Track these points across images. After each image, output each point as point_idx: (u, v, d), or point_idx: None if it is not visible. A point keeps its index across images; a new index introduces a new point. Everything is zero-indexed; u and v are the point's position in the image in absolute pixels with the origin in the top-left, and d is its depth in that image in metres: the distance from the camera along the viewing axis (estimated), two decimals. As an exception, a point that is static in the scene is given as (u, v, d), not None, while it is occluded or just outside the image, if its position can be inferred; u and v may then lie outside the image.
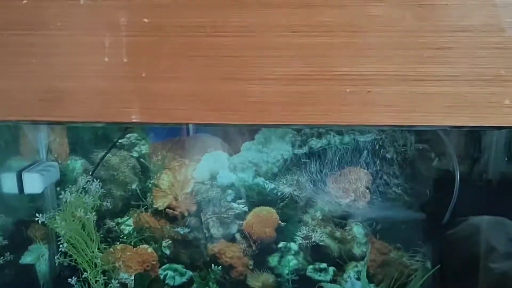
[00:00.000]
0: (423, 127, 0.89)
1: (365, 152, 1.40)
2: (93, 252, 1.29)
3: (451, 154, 1.32)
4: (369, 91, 0.89)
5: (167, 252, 1.54)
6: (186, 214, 1.52)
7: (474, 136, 1.37)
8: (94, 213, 1.26)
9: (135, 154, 1.57)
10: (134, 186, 1.54)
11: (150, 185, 1.53)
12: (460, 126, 0.89)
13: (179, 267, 1.53)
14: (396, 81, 0.93)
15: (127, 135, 1.55)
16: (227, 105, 0.95)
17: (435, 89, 0.91)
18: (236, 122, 0.93)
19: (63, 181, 1.43)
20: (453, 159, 1.32)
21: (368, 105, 0.93)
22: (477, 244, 1.30)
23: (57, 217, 1.23)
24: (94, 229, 1.27)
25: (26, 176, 1.30)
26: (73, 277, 1.27)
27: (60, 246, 1.26)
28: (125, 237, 1.52)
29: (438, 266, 1.28)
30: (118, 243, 1.51)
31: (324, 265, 1.47)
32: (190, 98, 0.96)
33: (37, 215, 1.21)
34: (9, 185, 1.31)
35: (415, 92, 0.93)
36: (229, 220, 1.51)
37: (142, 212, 1.53)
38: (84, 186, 1.22)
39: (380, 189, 1.41)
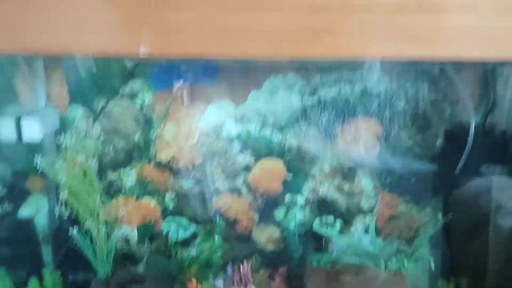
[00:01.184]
0: (447, 59, 0.85)
1: (376, 102, 1.36)
2: (95, 202, 1.26)
3: (466, 103, 1.29)
4: (391, 22, 0.85)
5: (171, 205, 1.50)
6: (190, 166, 1.48)
7: (488, 86, 1.34)
8: (95, 161, 1.22)
9: (138, 104, 1.52)
10: (136, 137, 1.50)
11: (153, 136, 1.49)
12: (485, 58, 0.85)
13: (183, 220, 1.51)
14: (419, 11, 0.88)
15: (130, 83, 1.50)
16: (241, 36, 0.91)
17: (460, 20, 0.87)
18: (250, 54, 0.89)
19: (63, 131, 1.38)
20: (468, 108, 1.28)
21: (390, 37, 0.88)
22: (484, 203, 1.29)
23: (56, 163, 1.19)
24: (96, 176, 1.24)
25: (24, 123, 1.25)
26: (73, 228, 1.25)
27: (60, 195, 1.22)
28: (127, 190, 1.48)
29: (448, 218, 1.27)
30: (120, 196, 1.48)
31: (331, 218, 1.45)
32: (202, 29, 0.91)
33: (36, 159, 1.16)
34: (7, 132, 1.26)
35: (439, 24, 0.89)
36: (235, 173, 1.48)
37: (145, 164, 1.49)
38: (85, 131, 1.17)
39: (390, 141, 1.38)
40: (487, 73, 1.34)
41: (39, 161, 1.17)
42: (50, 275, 1.32)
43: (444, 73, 1.32)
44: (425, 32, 0.83)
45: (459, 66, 1.25)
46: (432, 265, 1.22)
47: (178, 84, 1.45)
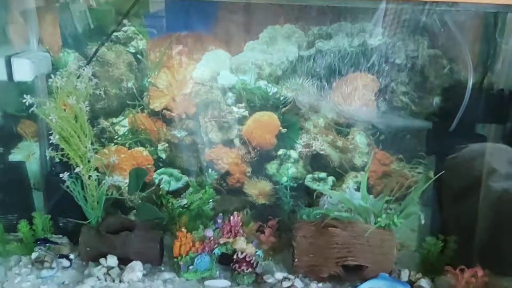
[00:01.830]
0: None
1: (374, 57, 1.34)
2: (86, 147, 1.24)
3: (466, 59, 1.26)
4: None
5: (163, 155, 1.50)
6: (183, 116, 1.47)
7: (488, 44, 1.31)
8: (86, 104, 1.20)
9: (132, 50, 1.49)
10: (130, 84, 1.48)
11: (147, 83, 1.47)
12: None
13: (175, 171, 1.51)
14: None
15: (124, 28, 1.46)
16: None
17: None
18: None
19: (55, 73, 1.35)
20: (468, 64, 1.26)
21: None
22: (478, 166, 1.29)
23: (47, 105, 1.16)
24: (87, 121, 1.22)
25: (15, 62, 1.23)
26: (65, 173, 1.23)
27: (51, 139, 1.20)
28: (119, 138, 1.47)
29: (439, 175, 1.26)
30: (112, 144, 1.47)
31: (323, 174, 1.45)
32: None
33: (25, 98, 1.12)
34: (-2, 70, 1.24)
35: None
36: (228, 125, 1.47)
37: (138, 112, 1.48)
38: (77, 74, 1.14)
39: (386, 97, 1.36)
40: (488, 29, 1.32)
41: (30, 101, 1.14)
42: (40, 219, 1.32)
43: (444, 27, 1.30)
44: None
45: (461, 20, 1.22)
46: (422, 220, 1.23)
47: (173, 31, 1.42)
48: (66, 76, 1.16)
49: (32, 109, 1.17)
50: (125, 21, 1.43)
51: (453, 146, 1.33)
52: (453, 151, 1.37)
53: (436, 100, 1.38)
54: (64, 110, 1.20)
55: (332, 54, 1.36)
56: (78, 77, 1.19)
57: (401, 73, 1.35)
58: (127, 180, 1.45)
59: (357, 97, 1.37)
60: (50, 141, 1.23)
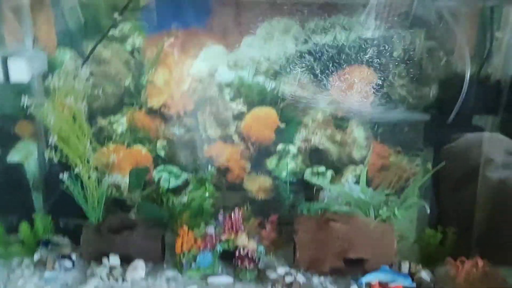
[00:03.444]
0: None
1: (371, 50, 1.34)
2: (85, 147, 1.23)
3: (463, 50, 1.27)
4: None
5: (162, 153, 1.50)
6: (182, 113, 1.47)
7: (485, 31, 1.31)
8: (84, 104, 1.19)
9: (129, 47, 1.49)
10: (127, 83, 1.47)
11: (144, 81, 1.46)
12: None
13: (174, 169, 1.51)
14: None
15: (120, 26, 1.46)
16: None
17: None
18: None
19: (52, 73, 1.34)
20: (465, 56, 1.27)
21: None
22: (475, 156, 1.30)
23: (45, 106, 1.16)
24: (86, 121, 1.21)
25: (11, 62, 1.21)
26: (64, 173, 1.22)
27: (50, 140, 1.19)
28: (118, 137, 1.47)
29: (438, 167, 1.27)
30: (111, 143, 1.46)
31: (322, 168, 1.46)
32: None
33: (23, 99, 1.12)
34: (-7, 72, 1.22)
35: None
36: (227, 121, 1.47)
37: (136, 110, 1.47)
38: (74, 74, 1.14)
39: (384, 90, 1.36)
40: (485, 20, 1.32)
41: (28, 102, 1.14)
42: (41, 220, 1.32)
43: (441, 19, 1.30)
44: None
45: (457, 12, 1.22)
46: (428, 210, 1.25)
47: (170, 28, 1.40)
48: (64, 77, 1.15)
49: (29, 110, 1.17)
50: (120, 18, 1.40)
51: (451, 137, 1.34)
52: (449, 142, 1.38)
53: (434, 92, 1.38)
54: (62, 110, 1.20)
55: (329, 48, 1.36)
56: (76, 77, 1.18)
57: (398, 66, 1.35)
58: (126, 179, 1.46)
59: (355, 90, 1.37)
60: (48, 140, 1.22)
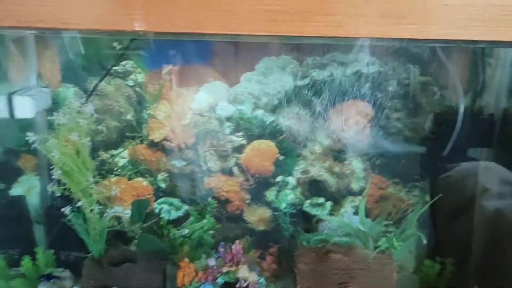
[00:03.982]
0: (440, 41, 0.86)
1: (367, 85, 1.37)
2: (87, 180, 1.25)
3: (457, 85, 1.30)
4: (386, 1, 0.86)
5: (163, 185, 1.52)
6: (183, 146, 1.49)
7: (478, 68, 1.35)
8: (88, 140, 1.21)
9: (131, 83, 1.52)
10: (129, 117, 1.50)
11: (146, 115, 1.49)
12: (479, 40, 0.86)
13: (175, 201, 1.52)
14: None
15: (122, 63, 1.49)
16: (235, 14, 0.91)
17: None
18: (244, 31, 0.89)
19: (56, 109, 1.36)
20: (458, 90, 1.30)
21: (385, 16, 0.89)
22: (470, 186, 1.32)
23: (49, 142, 1.17)
24: (89, 156, 1.23)
25: (16, 99, 1.24)
26: (66, 207, 1.23)
27: (53, 174, 1.20)
28: (119, 170, 1.49)
29: (436, 198, 1.29)
30: (113, 175, 1.48)
31: (321, 199, 1.47)
32: (197, 5, 0.91)
33: (28, 137, 1.13)
34: (-1, 109, 1.25)
35: (433, 3, 0.90)
36: (227, 153, 1.49)
37: (137, 144, 1.50)
38: (78, 110, 1.16)
39: (381, 123, 1.39)
40: (477, 55, 1.36)
41: (32, 139, 1.15)
42: (43, 254, 1.32)
43: (434, 56, 1.34)
44: (417, 12, 0.85)
45: (450, 48, 1.26)
46: (424, 240, 1.26)
47: (171, 64, 1.45)
48: (68, 113, 1.17)
49: (34, 145, 1.17)
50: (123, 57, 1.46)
51: (446, 169, 1.37)
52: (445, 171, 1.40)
53: (429, 125, 1.41)
54: (66, 146, 1.22)
55: (326, 83, 1.39)
56: (79, 113, 1.21)
57: (394, 100, 1.38)
58: (127, 211, 1.47)
59: (352, 124, 1.40)
60: (51, 174, 1.22)
